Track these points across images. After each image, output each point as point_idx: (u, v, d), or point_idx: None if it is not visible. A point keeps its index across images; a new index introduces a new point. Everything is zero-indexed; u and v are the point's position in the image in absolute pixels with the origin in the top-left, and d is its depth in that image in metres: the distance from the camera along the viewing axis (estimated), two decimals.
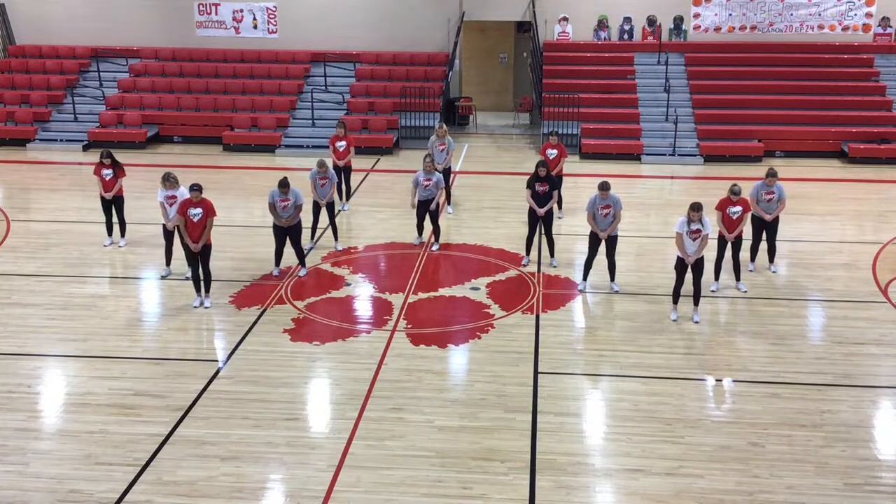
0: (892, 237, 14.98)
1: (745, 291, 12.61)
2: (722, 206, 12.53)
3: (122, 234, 14.31)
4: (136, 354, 10.53)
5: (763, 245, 13.31)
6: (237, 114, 22.22)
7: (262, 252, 13.63)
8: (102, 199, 14.06)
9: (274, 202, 12.53)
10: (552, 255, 13.54)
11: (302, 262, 13.12)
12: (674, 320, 11.49)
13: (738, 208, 12.51)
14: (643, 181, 18.96)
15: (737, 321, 11.61)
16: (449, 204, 16.39)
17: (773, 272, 13.37)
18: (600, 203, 12.12)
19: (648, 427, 8.95)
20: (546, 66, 22.84)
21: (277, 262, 13.00)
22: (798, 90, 22.11)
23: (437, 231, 14.36)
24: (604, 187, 12.08)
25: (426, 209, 14.12)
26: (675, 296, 11.65)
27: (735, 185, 12.51)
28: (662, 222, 15.79)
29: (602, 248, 12.40)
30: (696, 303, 11.62)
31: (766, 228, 13.19)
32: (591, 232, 12.30)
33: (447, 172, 16.27)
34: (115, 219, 14.23)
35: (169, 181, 12.62)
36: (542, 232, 13.50)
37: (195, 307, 11.84)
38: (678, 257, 11.49)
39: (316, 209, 14.10)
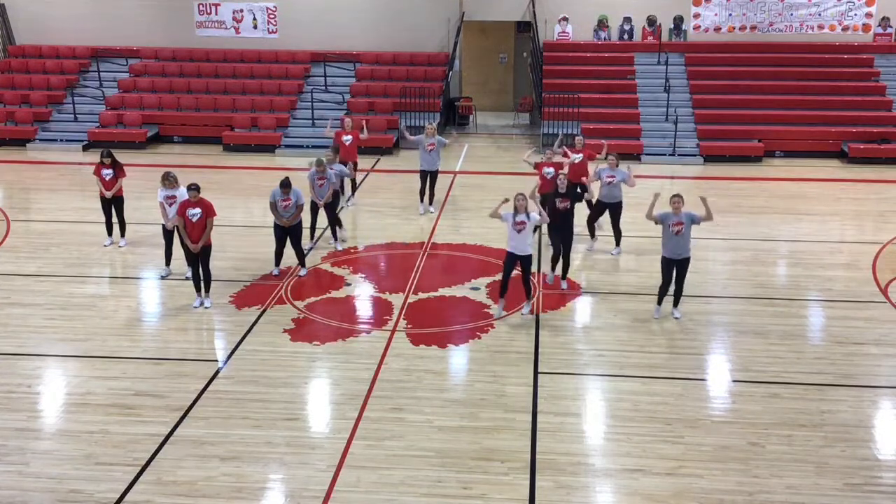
0: (892, 237, 14.98)
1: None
2: (539, 168, 14.02)
3: (122, 234, 14.30)
4: (136, 354, 10.53)
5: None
6: (237, 114, 22.22)
7: (262, 252, 13.63)
8: (102, 198, 14.04)
9: (275, 202, 12.52)
10: (564, 275, 12.59)
11: (302, 263, 13.10)
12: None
13: (551, 169, 13.77)
14: (643, 181, 18.87)
15: (737, 321, 11.61)
16: (430, 203, 16.28)
17: (614, 255, 13.96)
18: (672, 219, 11.21)
19: (648, 427, 8.94)
20: (546, 66, 22.84)
21: (277, 262, 12.98)
22: (798, 90, 22.13)
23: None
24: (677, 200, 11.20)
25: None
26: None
27: (548, 149, 14.51)
28: None
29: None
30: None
31: (610, 211, 13.62)
32: (663, 257, 11.42)
33: (434, 175, 16.15)
34: (114, 219, 14.22)
35: (168, 180, 12.61)
36: (562, 254, 12.41)
37: (195, 307, 11.84)
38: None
39: (314, 209, 14.09)
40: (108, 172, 13.97)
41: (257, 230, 14.75)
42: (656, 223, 11.42)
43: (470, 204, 16.87)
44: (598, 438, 8.86)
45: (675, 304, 11.59)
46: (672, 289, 11.56)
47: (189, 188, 11.73)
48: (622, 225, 14.05)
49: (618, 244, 14.04)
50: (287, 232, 12.70)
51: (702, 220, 11.34)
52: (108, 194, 13.95)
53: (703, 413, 9.28)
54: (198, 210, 11.63)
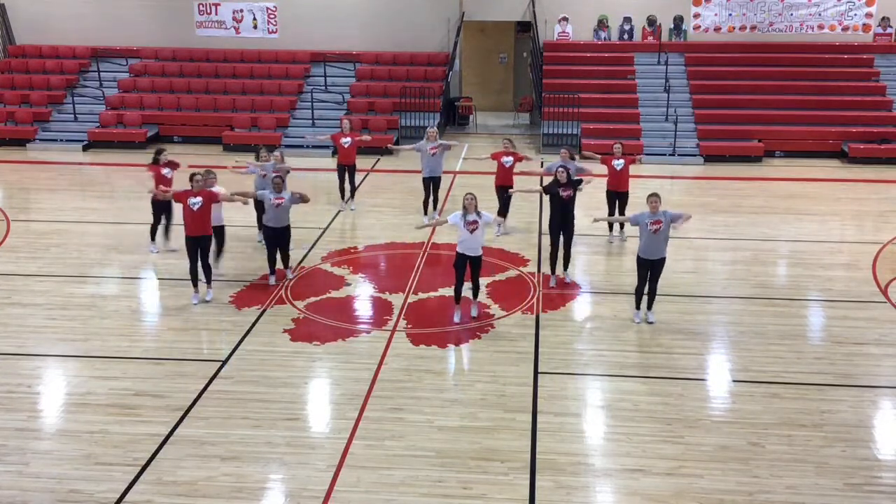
0: (892, 237, 14.99)
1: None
2: (496, 156, 14.49)
3: (286, 264, 12.85)
4: (136, 354, 10.53)
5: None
6: (237, 114, 22.23)
7: (262, 252, 13.58)
8: (157, 201, 13.27)
9: (265, 200, 12.31)
10: (566, 267, 12.69)
11: (286, 265, 12.75)
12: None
13: (510, 158, 14.38)
14: (643, 181, 18.91)
15: (737, 321, 11.60)
16: (435, 210, 15.72)
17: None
18: (650, 218, 11.01)
19: (648, 427, 8.94)
20: (546, 66, 22.85)
21: (272, 269, 12.60)
22: (798, 90, 22.14)
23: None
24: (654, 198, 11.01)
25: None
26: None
27: (507, 138, 14.94)
28: None
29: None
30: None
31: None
32: (638, 257, 11.21)
33: (437, 181, 15.59)
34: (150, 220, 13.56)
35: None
36: (563, 244, 12.45)
37: (194, 304, 11.82)
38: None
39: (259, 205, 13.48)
40: (168, 171, 13.40)
41: (258, 230, 14.72)
42: (632, 225, 11.27)
43: None
44: (598, 438, 8.86)
45: (649, 306, 11.39)
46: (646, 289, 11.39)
47: (192, 178, 11.76)
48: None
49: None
50: (278, 235, 12.41)
51: (681, 220, 11.10)
52: (170, 195, 12.53)
53: (703, 413, 9.28)
54: (199, 199, 11.63)
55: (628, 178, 14.45)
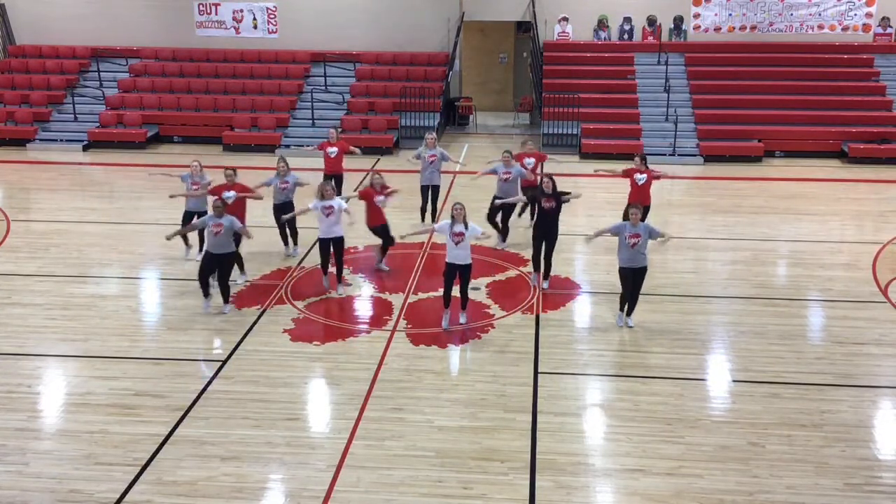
0: (892, 237, 14.99)
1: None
2: (519, 158, 14.68)
3: (226, 298, 11.75)
4: (136, 354, 10.53)
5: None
6: (237, 114, 22.23)
7: (262, 252, 13.63)
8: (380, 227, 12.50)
9: (204, 226, 11.70)
10: (546, 276, 12.61)
11: (226, 299, 11.69)
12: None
13: (532, 159, 14.74)
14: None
15: (737, 321, 11.61)
16: (433, 220, 15.11)
17: (499, 249, 14.19)
18: (629, 231, 10.89)
19: (648, 427, 8.94)
20: (546, 66, 22.85)
21: (206, 293, 11.65)
22: (798, 90, 22.13)
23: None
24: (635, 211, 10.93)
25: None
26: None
27: (528, 139, 15.64)
28: (661, 223, 15.68)
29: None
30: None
31: (503, 207, 14.09)
32: (620, 267, 11.07)
33: (436, 189, 15.30)
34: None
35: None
36: (544, 254, 12.42)
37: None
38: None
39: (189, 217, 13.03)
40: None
41: (257, 230, 14.67)
42: (612, 234, 11.15)
43: (470, 204, 16.67)
44: (598, 438, 8.86)
45: (629, 312, 11.30)
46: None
47: (225, 172, 12.46)
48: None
49: (504, 239, 14.29)
50: (218, 261, 11.52)
51: (660, 236, 11.05)
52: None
53: (703, 413, 9.28)
54: (233, 192, 12.24)
55: (650, 192, 13.94)
